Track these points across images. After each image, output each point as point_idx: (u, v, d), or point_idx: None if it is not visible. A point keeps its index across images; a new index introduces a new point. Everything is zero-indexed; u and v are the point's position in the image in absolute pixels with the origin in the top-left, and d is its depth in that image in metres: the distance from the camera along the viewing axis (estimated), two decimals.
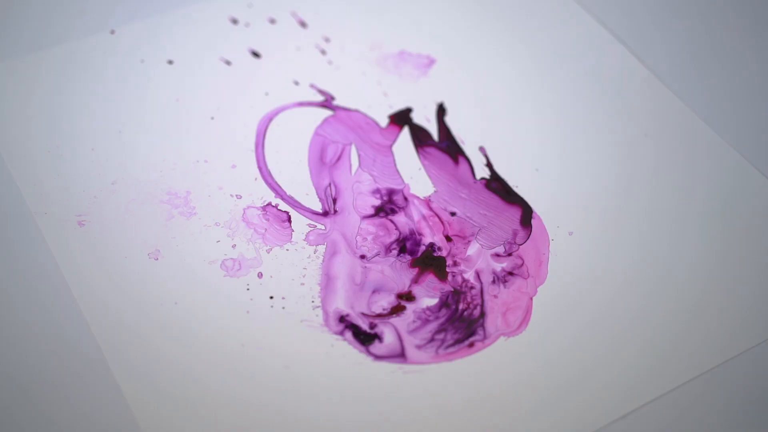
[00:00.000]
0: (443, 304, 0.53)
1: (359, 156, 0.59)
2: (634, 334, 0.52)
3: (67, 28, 0.63)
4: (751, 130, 0.62)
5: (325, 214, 0.56)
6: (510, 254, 0.55)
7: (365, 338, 0.51)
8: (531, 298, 0.53)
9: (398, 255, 0.54)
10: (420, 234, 0.55)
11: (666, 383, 0.50)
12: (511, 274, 0.54)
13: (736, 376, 0.51)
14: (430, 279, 0.53)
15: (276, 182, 0.57)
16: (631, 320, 0.53)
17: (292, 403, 0.48)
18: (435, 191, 0.57)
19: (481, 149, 0.60)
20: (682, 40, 0.67)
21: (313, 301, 0.52)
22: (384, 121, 0.61)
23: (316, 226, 0.55)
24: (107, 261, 0.52)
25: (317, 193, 0.57)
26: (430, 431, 0.48)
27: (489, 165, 0.59)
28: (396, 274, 0.54)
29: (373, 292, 0.53)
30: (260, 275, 0.53)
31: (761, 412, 0.50)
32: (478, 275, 0.54)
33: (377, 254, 0.54)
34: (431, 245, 0.55)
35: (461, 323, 0.52)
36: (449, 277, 0.54)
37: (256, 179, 0.57)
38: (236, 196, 0.56)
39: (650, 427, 0.49)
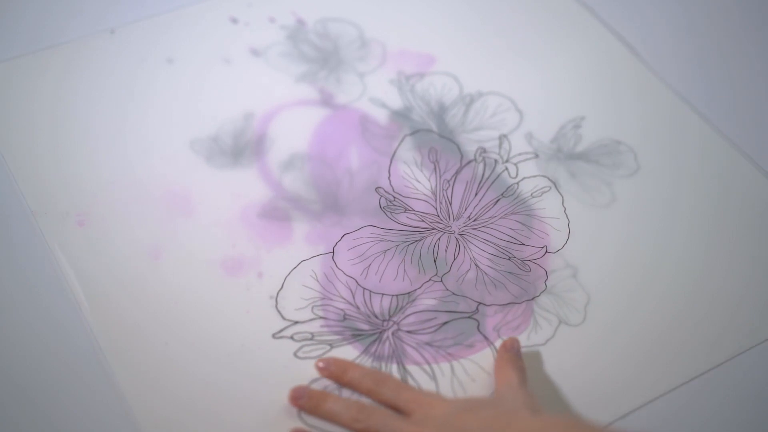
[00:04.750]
0: (443, 304, 0.53)
1: (359, 154, 0.59)
2: (635, 334, 0.52)
3: (68, 28, 0.63)
4: (752, 130, 0.62)
5: (326, 213, 0.56)
6: (509, 257, 0.55)
7: (365, 338, 0.51)
8: (530, 299, 0.53)
9: (399, 254, 0.54)
10: (420, 233, 0.55)
11: (665, 383, 0.50)
12: (511, 273, 0.54)
13: (735, 376, 0.51)
14: (431, 279, 0.54)
15: (276, 181, 0.57)
16: (631, 320, 0.53)
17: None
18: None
19: (480, 149, 0.60)
20: (683, 40, 0.67)
21: (312, 301, 0.52)
22: (384, 120, 0.61)
23: (316, 225, 0.55)
24: (107, 260, 0.52)
25: (318, 192, 0.57)
26: None
27: (486, 164, 0.59)
28: (396, 274, 0.54)
29: (374, 292, 0.53)
30: (260, 275, 0.53)
31: (761, 412, 0.50)
32: (478, 275, 0.54)
33: (378, 254, 0.54)
34: (433, 244, 0.55)
35: (461, 324, 0.52)
36: (449, 278, 0.54)
37: (256, 178, 0.57)
38: (236, 195, 0.56)
39: (650, 428, 0.49)
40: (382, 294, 0.53)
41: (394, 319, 0.52)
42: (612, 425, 0.49)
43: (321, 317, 0.51)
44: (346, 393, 0.49)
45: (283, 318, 0.51)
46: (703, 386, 0.51)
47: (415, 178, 0.58)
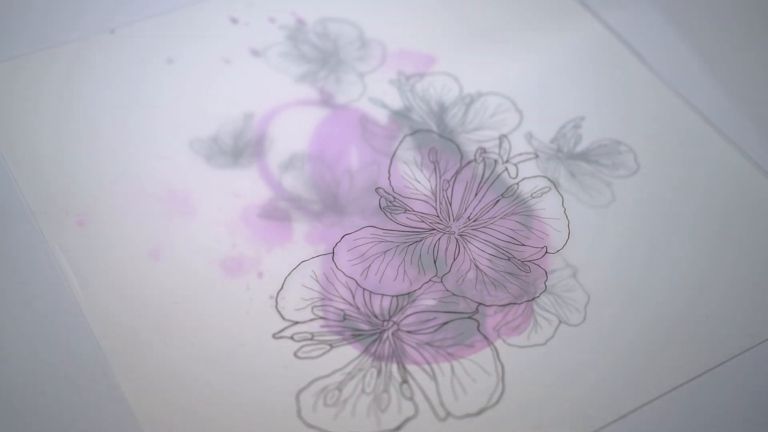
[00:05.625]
0: (443, 304, 0.53)
1: (359, 154, 0.59)
2: (635, 334, 0.52)
3: (67, 28, 0.63)
4: (753, 130, 0.62)
5: (326, 213, 0.56)
6: (509, 258, 0.55)
7: (365, 338, 0.51)
8: (530, 300, 0.53)
9: (399, 255, 0.54)
10: (420, 234, 0.55)
11: (666, 383, 0.50)
12: (511, 274, 0.54)
13: (736, 375, 0.51)
14: (431, 280, 0.54)
15: (276, 181, 0.57)
16: (631, 320, 0.53)
17: (292, 402, 0.48)
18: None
19: (480, 149, 0.60)
20: (683, 40, 0.67)
21: (312, 301, 0.52)
22: (384, 120, 0.61)
23: (316, 225, 0.55)
24: (107, 261, 0.52)
25: (318, 192, 0.57)
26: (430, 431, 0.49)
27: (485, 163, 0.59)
28: (396, 274, 0.54)
29: (374, 292, 0.53)
30: (260, 275, 0.53)
31: (762, 412, 0.50)
32: (478, 275, 0.54)
33: (378, 254, 0.54)
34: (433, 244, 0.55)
35: (461, 324, 0.52)
36: (449, 278, 0.54)
37: (255, 178, 0.57)
38: (236, 195, 0.56)
39: (650, 427, 0.49)
40: (382, 294, 0.53)
41: (394, 319, 0.52)
42: (612, 425, 0.49)
43: (321, 317, 0.51)
44: (351, 385, 0.49)
45: (283, 318, 0.51)
46: (704, 386, 0.51)
47: (415, 179, 0.58)
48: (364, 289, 0.53)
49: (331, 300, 0.52)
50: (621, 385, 0.50)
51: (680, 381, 0.51)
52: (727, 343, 0.52)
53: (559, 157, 0.60)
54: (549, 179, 0.58)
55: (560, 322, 0.52)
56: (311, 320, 0.51)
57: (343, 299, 0.52)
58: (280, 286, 0.52)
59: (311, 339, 0.51)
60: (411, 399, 0.49)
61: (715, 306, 0.54)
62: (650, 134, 0.61)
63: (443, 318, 0.52)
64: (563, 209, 0.57)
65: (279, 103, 0.61)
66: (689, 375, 0.51)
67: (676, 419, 0.49)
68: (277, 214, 0.55)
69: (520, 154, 0.59)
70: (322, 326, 0.51)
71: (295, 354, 0.50)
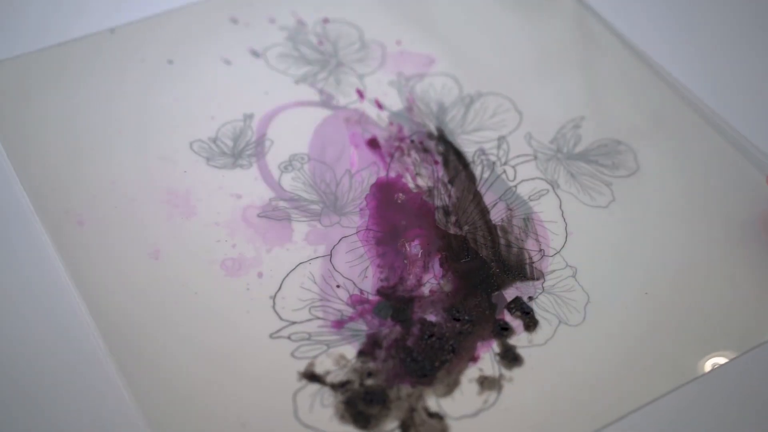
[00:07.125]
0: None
1: (359, 155, 0.59)
2: (635, 334, 0.52)
3: (68, 28, 0.63)
4: (752, 130, 0.62)
5: (326, 213, 0.56)
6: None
7: (363, 338, 0.51)
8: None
9: (398, 257, 0.54)
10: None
11: (667, 384, 0.50)
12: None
13: (737, 377, 0.51)
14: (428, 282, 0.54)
15: (276, 182, 0.57)
16: (631, 320, 0.53)
17: (292, 402, 0.48)
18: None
19: (479, 150, 0.60)
20: (684, 39, 0.67)
21: (312, 302, 0.52)
22: (384, 122, 0.61)
23: (316, 225, 0.55)
24: (107, 260, 0.52)
25: (318, 192, 0.57)
26: None
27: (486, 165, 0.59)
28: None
29: (371, 293, 0.53)
30: (260, 275, 0.53)
31: (762, 413, 0.50)
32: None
33: (377, 256, 0.54)
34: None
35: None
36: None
37: (256, 179, 0.57)
38: (236, 196, 0.56)
39: (650, 427, 0.49)
40: (381, 295, 0.53)
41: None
42: (612, 425, 0.49)
43: (319, 318, 0.51)
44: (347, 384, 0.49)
45: (281, 318, 0.51)
46: (704, 386, 0.51)
47: (414, 181, 0.58)
48: (362, 290, 0.53)
49: (329, 300, 0.52)
50: (621, 385, 0.50)
51: (682, 381, 0.50)
52: (728, 344, 0.52)
53: (558, 157, 0.60)
54: (547, 181, 0.58)
55: (560, 322, 0.52)
56: (309, 320, 0.51)
57: (341, 300, 0.52)
58: (279, 287, 0.52)
59: (308, 339, 0.51)
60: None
61: (715, 306, 0.54)
62: (650, 134, 0.61)
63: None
64: (561, 212, 0.57)
65: (279, 104, 0.61)
66: (691, 375, 0.51)
67: (676, 419, 0.49)
68: (277, 214, 0.55)
69: (519, 156, 0.59)
70: (320, 326, 0.51)
71: (292, 354, 0.50)
